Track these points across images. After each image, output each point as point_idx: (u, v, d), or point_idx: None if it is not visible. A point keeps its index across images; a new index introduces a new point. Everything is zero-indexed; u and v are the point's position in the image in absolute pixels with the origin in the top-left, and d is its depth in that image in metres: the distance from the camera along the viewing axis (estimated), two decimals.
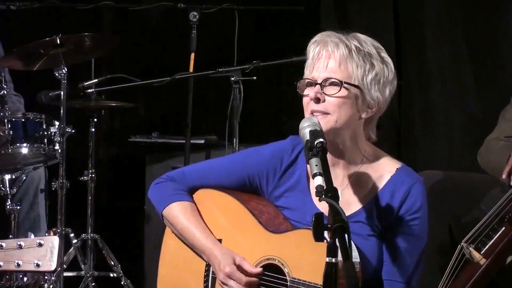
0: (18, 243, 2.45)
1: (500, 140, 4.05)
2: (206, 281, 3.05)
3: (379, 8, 5.53)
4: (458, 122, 5.32)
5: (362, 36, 2.94)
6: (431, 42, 5.38)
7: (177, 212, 3.08)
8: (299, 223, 2.98)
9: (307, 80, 2.92)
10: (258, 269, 2.93)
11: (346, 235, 2.45)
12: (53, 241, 2.44)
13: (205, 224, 3.07)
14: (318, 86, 2.88)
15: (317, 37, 2.95)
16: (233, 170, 3.10)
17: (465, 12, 5.30)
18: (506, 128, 4.08)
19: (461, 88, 5.31)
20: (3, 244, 2.46)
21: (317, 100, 2.87)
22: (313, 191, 2.97)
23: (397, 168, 2.97)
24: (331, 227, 2.47)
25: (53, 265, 2.43)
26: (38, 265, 2.43)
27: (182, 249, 3.10)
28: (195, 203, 3.11)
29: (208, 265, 3.05)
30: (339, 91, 2.86)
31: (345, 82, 2.86)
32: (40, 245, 2.44)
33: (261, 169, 3.06)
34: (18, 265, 2.44)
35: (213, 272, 3.03)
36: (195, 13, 5.14)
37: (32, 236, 2.46)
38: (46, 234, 2.47)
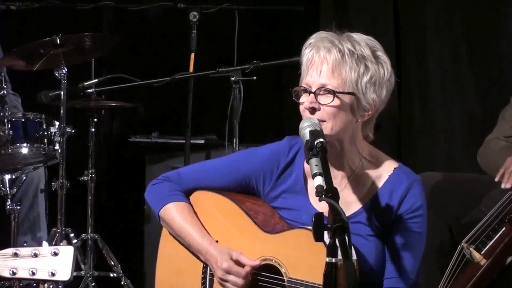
0: (34, 251, 2.46)
1: (499, 140, 4.05)
2: (204, 282, 3.05)
3: (379, 8, 5.52)
4: (458, 122, 5.32)
5: (356, 36, 2.91)
6: (431, 42, 5.38)
7: (173, 212, 3.08)
8: (296, 222, 2.98)
9: (302, 87, 2.91)
10: (256, 262, 2.94)
11: (346, 235, 2.45)
12: (69, 251, 2.45)
13: (202, 225, 3.08)
14: (312, 95, 2.86)
15: (311, 39, 2.92)
16: (229, 171, 3.10)
17: (465, 12, 5.31)
18: (506, 128, 4.08)
19: (461, 88, 5.31)
20: (18, 252, 2.47)
21: (313, 110, 2.86)
22: (310, 191, 3.00)
23: (395, 168, 2.97)
24: (331, 227, 2.47)
25: (68, 275, 2.44)
26: (53, 274, 2.44)
27: (179, 250, 3.10)
28: (191, 204, 3.11)
29: (205, 266, 3.05)
30: (332, 100, 2.85)
31: (338, 92, 2.84)
32: (56, 254, 2.45)
33: (258, 170, 3.06)
34: (33, 273, 2.45)
35: (210, 273, 3.03)
36: (195, 13, 5.14)
37: (47, 244, 2.46)
38: (61, 244, 2.48)
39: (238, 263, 2.95)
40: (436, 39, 5.37)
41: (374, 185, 2.95)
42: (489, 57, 5.23)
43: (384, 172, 2.96)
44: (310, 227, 2.80)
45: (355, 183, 2.97)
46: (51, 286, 4.51)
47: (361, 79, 2.86)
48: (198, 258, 3.06)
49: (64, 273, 2.44)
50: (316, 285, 2.81)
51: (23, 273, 2.45)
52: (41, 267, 2.45)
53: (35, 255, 2.46)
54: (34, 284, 4.48)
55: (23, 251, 2.47)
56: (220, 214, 3.07)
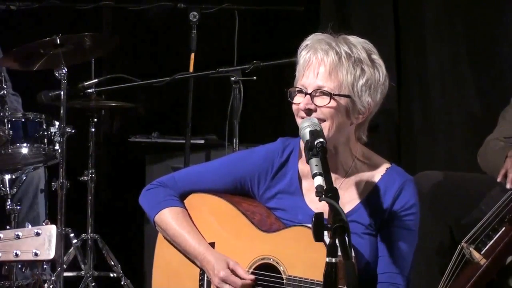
0: (16, 233, 2.46)
1: (499, 141, 4.05)
2: (201, 284, 3.05)
3: (379, 8, 5.53)
4: (458, 122, 5.32)
5: (352, 39, 2.92)
6: (431, 42, 5.38)
7: (169, 218, 3.07)
8: (292, 222, 2.98)
9: (297, 88, 2.92)
10: (251, 276, 2.94)
11: (346, 235, 2.46)
12: (51, 230, 2.45)
13: (198, 229, 3.07)
14: (308, 96, 2.88)
15: (308, 41, 2.94)
16: (224, 174, 3.10)
17: (464, 12, 5.31)
18: (506, 129, 4.08)
19: (461, 88, 5.31)
20: (1, 235, 2.47)
21: (309, 111, 2.87)
22: (305, 191, 3.02)
23: (387, 168, 3.00)
24: (331, 227, 2.47)
25: (51, 254, 2.44)
26: (36, 254, 2.44)
27: (176, 254, 3.09)
28: (186, 208, 3.11)
29: (202, 269, 3.05)
30: (329, 102, 2.86)
31: (334, 94, 2.85)
32: (38, 234, 2.45)
33: (252, 172, 3.07)
34: (17, 255, 2.45)
35: (207, 276, 3.03)
36: (195, 13, 5.14)
37: (30, 226, 2.46)
38: (44, 224, 2.47)
39: (234, 272, 2.95)
40: (436, 39, 5.37)
41: (367, 185, 2.98)
42: (489, 57, 5.23)
43: (377, 172, 2.99)
44: (307, 225, 2.82)
45: (349, 184, 2.99)
46: (51, 287, 4.52)
47: (357, 82, 2.87)
48: (195, 263, 3.05)
49: (47, 252, 2.44)
50: (315, 282, 2.82)
51: (7, 256, 2.46)
52: (25, 248, 2.45)
53: (18, 237, 2.46)
54: (34, 282, 4.48)
55: (5, 234, 2.47)
56: (216, 215, 3.07)
